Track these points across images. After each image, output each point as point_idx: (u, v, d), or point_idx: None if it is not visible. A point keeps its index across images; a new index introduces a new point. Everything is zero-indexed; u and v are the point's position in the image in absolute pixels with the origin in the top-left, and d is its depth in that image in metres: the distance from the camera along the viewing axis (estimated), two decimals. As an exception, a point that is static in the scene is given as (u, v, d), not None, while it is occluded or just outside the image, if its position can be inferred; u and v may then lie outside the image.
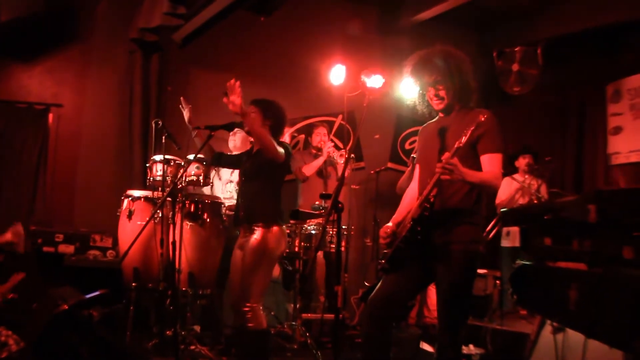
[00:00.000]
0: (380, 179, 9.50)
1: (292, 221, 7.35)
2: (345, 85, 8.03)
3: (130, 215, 6.57)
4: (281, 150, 5.41)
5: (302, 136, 9.60)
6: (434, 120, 4.56)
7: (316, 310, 8.09)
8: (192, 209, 6.51)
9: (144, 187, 7.34)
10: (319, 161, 8.39)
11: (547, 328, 5.07)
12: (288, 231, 7.25)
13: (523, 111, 10.77)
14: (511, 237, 8.84)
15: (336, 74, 8.35)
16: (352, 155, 8.61)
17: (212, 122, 5.60)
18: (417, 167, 4.61)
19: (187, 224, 6.39)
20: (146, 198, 6.63)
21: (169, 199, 5.88)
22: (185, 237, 6.15)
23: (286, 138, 9.28)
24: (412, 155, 8.44)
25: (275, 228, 5.39)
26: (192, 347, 6.29)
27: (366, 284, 8.86)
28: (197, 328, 7.04)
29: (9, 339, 5.00)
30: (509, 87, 9.86)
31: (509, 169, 9.15)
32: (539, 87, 9.86)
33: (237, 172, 7.25)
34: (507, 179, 9.08)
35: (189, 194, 6.72)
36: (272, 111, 5.70)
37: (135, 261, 6.35)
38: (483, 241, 4.32)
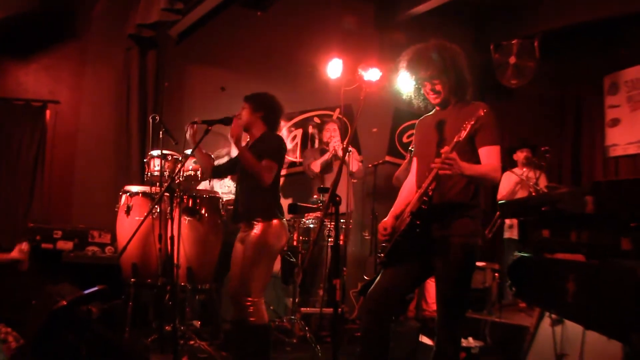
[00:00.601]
0: (378, 173, 9.51)
1: (290, 215, 7.36)
2: (342, 79, 8.02)
3: (128, 210, 6.57)
4: (267, 176, 5.39)
5: (300, 130, 9.60)
6: (431, 113, 4.55)
7: (315, 304, 8.10)
8: (190, 204, 6.50)
9: (141, 182, 7.33)
10: (325, 157, 8.44)
11: (546, 320, 5.07)
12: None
13: (520, 104, 10.77)
14: (514, 229, 8.85)
15: (333, 68, 8.34)
16: (351, 149, 8.62)
17: (208, 117, 5.59)
18: (415, 160, 4.60)
19: (185, 219, 6.39)
20: (144, 193, 6.63)
21: (166, 194, 5.88)
22: (183, 232, 6.16)
23: (284, 132, 9.30)
24: (409, 148, 8.45)
25: (275, 222, 5.38)
26: (192, 342, 6.29)
27: (365, 277, 8.86)
28: (196, 323, 7.05)
29: (9, 336, 5.00)
30: (506, 80, 9.86)
31: (507, 162, 9.16)
32: (536, 80, 9.86)
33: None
34: (506, 173, 9.08)
35: (187, 188, 6.72)
36: (262, 103, 5.68)
37: (134, 257, 6.35)
38: (482, 234, 4.31)
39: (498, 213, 7.38)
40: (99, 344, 4.81)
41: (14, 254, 6.16)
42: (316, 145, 9.54)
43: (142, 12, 8.08)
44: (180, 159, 6.45)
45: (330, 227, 7.51)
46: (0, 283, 6.37)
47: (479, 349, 6.47)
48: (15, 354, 4.93)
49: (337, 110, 9.68)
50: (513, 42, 9.74)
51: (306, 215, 7.48)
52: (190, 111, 8.66)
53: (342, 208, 4.34)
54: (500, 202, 4.89)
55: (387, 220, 4.46)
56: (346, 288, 8.40)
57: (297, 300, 7.47)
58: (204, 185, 7.44)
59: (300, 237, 7.44)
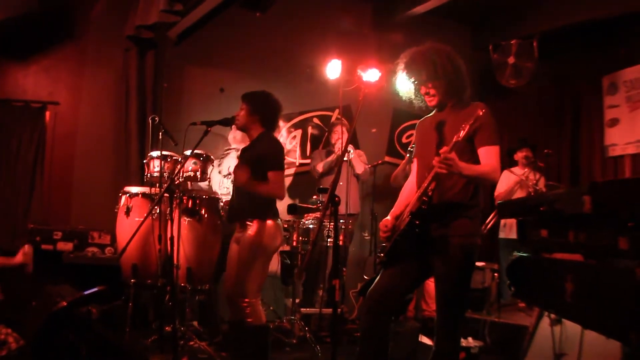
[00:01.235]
0: (378, 173, 9.51)
1: (290, 216, 7.37)
2: (341, 79, 8.03)
3: (128, 211, 6.57)
4: (280, 191, 5.45)
5: (299, 131, 9.61)
6: (430, 114, 4.57)
7: (315, 304, 8.11)
8: (189, 205, 6.51)
9: (141, 183, 7.35)
10: (330, 158, 8.48)
11: (545, 320, 5.09)
12: (285, 225, 7.31)
13: (519, 104, 10.80)
14: (507, 229, 8.87)
15: (332, 69, 8.36)
16: (353, 150, 8.64)
17: (208, 118, 5.60)
18: (415, 161, 4.62)
19: (185, 220, 6.40)
20: (144, 194, 6.63)
21: (166, 195, 5.89)
22: (183, 233, 6.17)
23: (283, 133, 9.31)
24: (409, 148, 8.47)
25: (269, 222, 5.39)
26: (191, 343, 6.31)
27: (365, 277, 8.87)
28: (196, 323, 7.07)
29: (9, 336, 5.01)
30: (505, 81, 9.87)
31: (507, 162, 9.17)
32: (535, 80, 9.87)
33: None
34: (505, 172, 9.10)
35: (187, 189, 6.73)
36: (260, 103, 5.65)
37: (134, 257, 6.35)
38: (480, 234, 4.32)
39: (495, 211, 7.39)
40: (99, 344, 4.81)
41: (19, 257, 6.17)
42: (321, 147, 9.56)
43: (141, 14, 8.09)
44: (179, 160, 6.46)
45: (330, 228, 7.52)
46: (1, 284, 6.38)
47: (478, 349, 6.48)
48: (15, 355, 4.94)
49: (337, 111, 9.70)
50: (512, 42, 9.76)
51: (306, 215, 7.48)
52: (189, 112, 8.68)
53: (342, 209, 4.35)
54: (498, 202, 4.89)
55: (387, 219, 4.48)
56: (346, 288, 8.42)
57: (297, 300, 7.49)
58: (204, 186, 7.44)
59: (300, 238, 7.44)
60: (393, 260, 4.32)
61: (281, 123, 9.50)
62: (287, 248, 7.56)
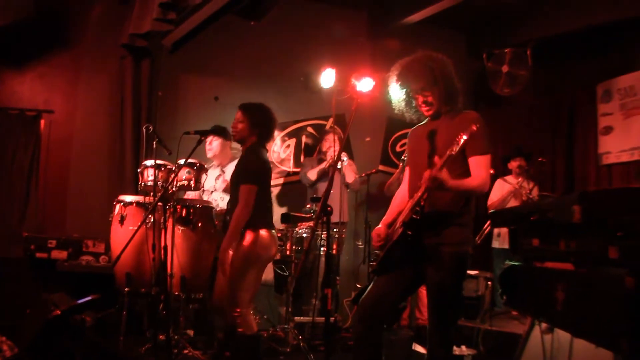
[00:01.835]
0: (372, 182, 9.55)
1: (283, 225, 7.39)
2: (335, 88, 8.05)
3: (122, 220, 6.59)
4: (249, 203, 5.40)
5: (294, 140, 9.63)
6: (423, 123, 4.58)
7: (309, 313, 8.11)
8: (183, 214, 6.52)
9: (135, 192, 7.36)
10: (322, 166, 8.49)
11: (538, 328, 5.10)
12: (279, 235, 7.31)
13: (513, 112, 10.82)
14: (502, 239, 8.90)
15: (326, 78, 8.38)
16: (344, 158, 8.65)
17: (202, 126, 5.63)
18: (407, 170, 4.64)
19: (179, 229, 6.41)
20: (138, 203, 6.65)
21: (160, 203, 5.90)
22: (177, 242, 6.18)
23: (277, 142, 9.33)
24: (402, 157, 8.48)
25: (263, 233, 5.40)
26: (186, 352, 6.31)
27: (358, 286, 8.88)
28: (190, 332, 7.07)
29: (3, 344, 5.01)
30: (499, 89, 9.90)
31: (500, 171, 9.20)
32: (529, 88, 9.90)
33: (220, 181, 7.31)
34: (499, 181, 9.13)
35: (181, 199, 6.74)
36: (260, 118, 5.69)
37: (128, 266, 6.37)
38: (472, 242, 4.34)
39: (489, 221, 7.41)
40: (93, 352, 4.83)
41: None
42: (314, 155, 9.56)
43: (135, 22, 8.11)
44: (173, 169, 6.48)
45: (323, 237, 7.54)
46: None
47: (471, 357, 6.49)
48: (9, 364, 4.95)
49: (331, 120, 9.71)
50: (506, 50, 9.78)
51: (299, 224, 7.50)
52: (183, 120, 8.68)
53: (335, 218, 4.37)
54: (490, 211, 4.91)
55: (380, 228, 4.50)
56: (339, 297, 8.41)
57: (290, 309, 7.49)
58: (194, 195, 7.43)
59: (294, 247, 7.45)
60: (386, 268, 4.33)
61: (275, 132, 9.51)
62: (278, 257, 7.58)
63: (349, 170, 8.64)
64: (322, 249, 7.63)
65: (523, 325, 6.07)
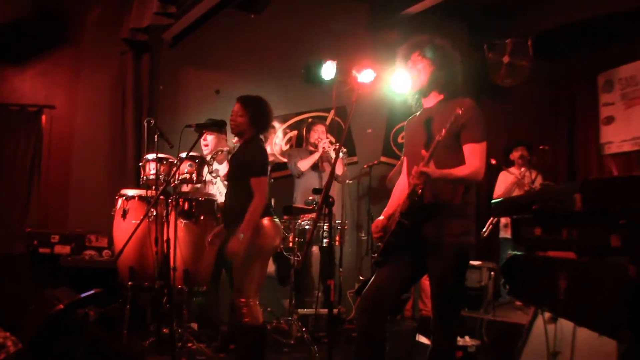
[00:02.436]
0: (374, 174, 9.52)
1: (285, 217, 7.38)
2: (336, 80, 8.05)
3: (124, 214, 6.59)
4: (263, 195, 5.40)
5: (295, 132, 9.61)
6: (418, 113, 4.57)
7: (312, 305, 8.11)
8: (185, 207, 6.52)
9: (137, 186, 7.36)
10: (314, 157, 8.43)
11: (541, 318, 5.10)
12: (282, 227, 7.33)
13: (515, 103, 10.79)
14: (509, 229, 8.87)
15: (327, 70, 8.37)
16: (345, 150, 8.64)
17: (203, 120, 5.65)
18: (405, 160, 4.63)
19: (181, 222, 6.41)
20: (140, 197, 6.66)
21: (162, 197, 5.91)
22: (179, 235, 6.18)
23: (279, 134, 9.32)
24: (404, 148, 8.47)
25: (266, 222, 5.38)
26: (189, 345, 6.32)
27: (361, 278, 8.88)
28: (194, 325, 7.08)
29: (7, 340, 5.01)
30: (500, 80, 9.87)
31: (503, 162, 9.19)
32: (530, 79, 9.88)
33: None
34: (502, 173, 9.13)
35: (183, 192, 6.74)
36: (260, 112, 5.68)
37: (131, 260, 6.38)
38: (474, 233, 4.33)
39: (492, 216, 7.40)
40: (97, 347, 4.83)
41: None
42: (302, 145, 9.52)
43: (135, 16, 8.10)
44: (175, 162, 6.47)
45: (325, 229, 7.52)
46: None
47: (475, 348, 6.49)
48: (13, 358, 4.95)
49: (332, 112, 9.70)
50: (507, 41, 9.76)
51: (302, 216, 7.49)
52: (185, 114, 8.65)
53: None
54: (492, 201, 4.90)
55: (380, 220, 4.49)
56: (343, 289, 8.41)
57: (293, 301, 7.49)
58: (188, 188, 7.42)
59: (296, 239, 7.44)
60: (387, 260, 4.33)
61: (277, 124, 9.52)
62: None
63: (339, 163, 8.61)
64: (324, 240, 7.61)
65: (526, 315, 6.07)
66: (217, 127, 5.87)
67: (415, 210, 4.08)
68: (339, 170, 8.50)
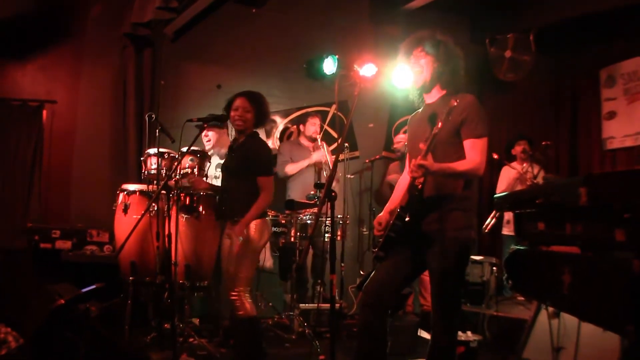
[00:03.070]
0: (375, 168, 9.52)
1: (287, 211, 7.38)
2: (338, 74, 8.03)
3: (126, 209, 6.57)
4: (270, 192, 5.59)
5: (295, 127, 9.59)
6: (421, 109, 4.56)
7: (313, 300, 8.11)
8: (187, 202, 6.50)
9: (139, 181, 7.34)
10: (303, 164, 8.38)
11: (544, 313, 5.09)
12: (284, 221, 7.34)
13: (517, 98, 10.77)
14: (511, 225, 8.87)
15: (329, 64, 8.35)
16: (346, 144, 8.63)
17: (205, 114, 5.64)
18: (407, 156, 4.62)
19: (183, 217, 6.39)
20: (141, 192, 6.63)
21: (163, 192, 5.89)
22: (180, 230, 6.15)
23: (280, 128, 9.30)
24: (405, 143, 8.45)
25: (257, 220, 5.49)
26: (191, 340, 6.32)
27: (361, 272, 8.88)
28: (196, 320, 7.07)
29: (8, 335, 5.02)
30: (502, 75, 9.87)
31: (504, 157, 9.17)
32: (533, 73, 9.87)
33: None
34: (505, 168, 9.12)
35: (184, 186, 6.72)
36: (263, 109, 5.81)
37: (132, 255, 6.36)
38: (475, 227, 4.31)
39: (494, 210, 7.39)
40: (98, 342, 4.82)
41: None
42: (293, 137, 9.47)
43: (137, 11, 8.09)
44: (176, 156, 6.45)
45: (327, 223, 7.50)
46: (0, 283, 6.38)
47: (477, 343, 6.48)
48: (15, 354, 4.95)
49: (334, 107, 9.68)
50: (509, 36, 9.75)
51: (303, 211, 7.48)
52: (186, 109, 8.64)
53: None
54: (495, 195, 4.88)
55: (382, 215, 4.49)
56: (344, 284, 8.41)
57: (295, 296, 7.49)
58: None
59: (298, 233, 7.43)
60: (388, 254, 4.32)
61: (279, 119, 9.51)
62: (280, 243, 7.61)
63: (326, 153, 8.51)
64: (326, 235, 7.60)
65: (529, 310, 6.06)
66: (218, 121, 5.86)
67: (416, 205, 4.07)
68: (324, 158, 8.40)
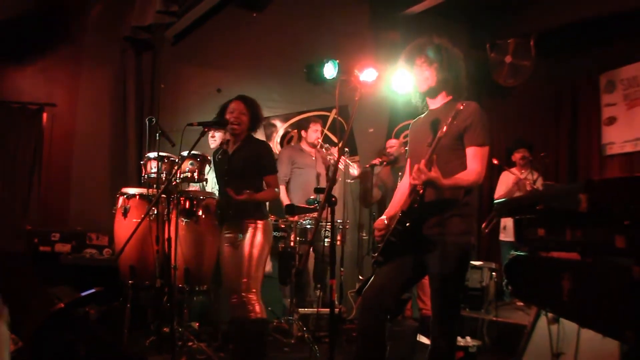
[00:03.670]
0: (375, 173, 9.51)
1: (288, 216, 7.38)
2: (338, 79, 8.04)
3: (125, 212, 6.56)
4: (277, 190, 5.78)
5: (296, 131, 9.59)
6: (423, 114, 4.56)
7: (312, 304, 8.10)
8: (187, 206, 6.50)
9: (138, 184, 7.35)
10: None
11: (543, 319, 5.09)
12: (283, 226, 7.37)
13: (517, 103, 10.79)
14: (508, 231, 8.87)
15: (329, 69, 8.36)
16: (347, 149, 8.63)
17: (205, 118, 5.65)
18: (408, 160, 4.62)
19: (182, 221, 6.39)
20: (141, 195, 6.62)
21: (163, 196, 5.89)
22: (180, 234, 6.15)
23: (280, 132, 9.31)
24: (406, 148, 8.45)
25: (268, 222, 5.65)
26: (190, 344, 6.30)
27: (360, 277, 8.87)
28: (195, 324, 7.07)
29: (7, 338, 5.00)
30: (502, 79, 9.89)
31: (504, 163, 9.18)
32: (533, 79, 9.88)
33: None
34: (504, 173, 9.13)
35: (184, 191, 6.72)
36: (258, 113, 5.92)
37: (132, 259, 6.35)
38: (475, 233, 4.31)
39: (493, 212, 7.40)
40: (97, 345, 4.82)
41: None
42: (294, 142, 9.46)
43: (137, 15, 8.10)
44: (176, 160, 6.45)
45: (327, 228, 7.50)
46: (-1, 286, 6.37)
47: (476, 348, 6.48)
48: (14, 357, 4.94)
49: (334, 111, 9.69)
50: (509, 41, 9.77)
51: (303, 215, 7.47)
52: (186, 113, 8.64)
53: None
54: (495, 201, 4.88)
55: (381, 220, 4.48)
56: (344, 288, 8.40)
57: (294, 300, 7.49)
58: (194, 187, 7.40)
59: (298, 238, 7.43)
60: (387, 259, 4.32)
61: (279, 123, 9.51)
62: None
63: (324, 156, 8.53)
64: (325, 239, 7.61)
65: (528, 316, 6.06)
66: (219, 126, 5.88)
67: (416, 210, 4.07)
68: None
